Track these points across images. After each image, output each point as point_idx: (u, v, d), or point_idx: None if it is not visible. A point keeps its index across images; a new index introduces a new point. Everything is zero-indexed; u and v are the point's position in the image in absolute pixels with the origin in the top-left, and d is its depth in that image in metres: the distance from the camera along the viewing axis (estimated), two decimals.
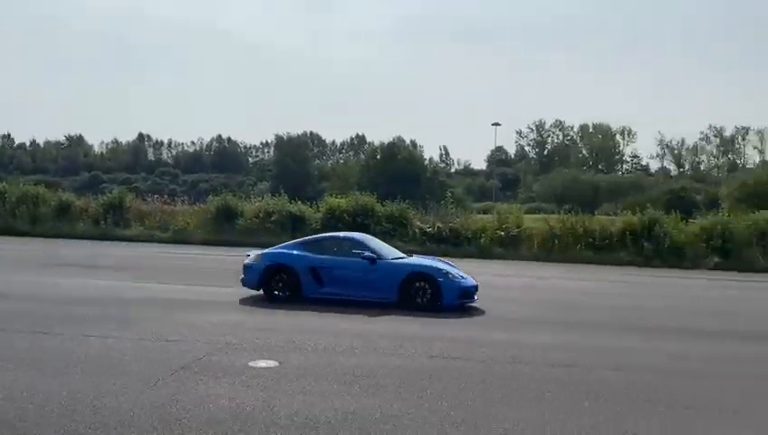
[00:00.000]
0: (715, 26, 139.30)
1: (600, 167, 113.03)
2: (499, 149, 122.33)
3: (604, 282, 18.71)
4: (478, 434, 5.29)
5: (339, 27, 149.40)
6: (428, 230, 27.78)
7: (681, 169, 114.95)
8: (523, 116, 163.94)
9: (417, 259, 12.95)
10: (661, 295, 15.99)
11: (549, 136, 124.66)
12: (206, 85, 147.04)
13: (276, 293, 11.93)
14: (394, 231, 27.41)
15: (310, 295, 11.87)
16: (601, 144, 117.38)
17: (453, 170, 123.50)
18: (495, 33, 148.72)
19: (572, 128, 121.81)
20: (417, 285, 11.72)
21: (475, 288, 12.08)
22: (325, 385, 6.46)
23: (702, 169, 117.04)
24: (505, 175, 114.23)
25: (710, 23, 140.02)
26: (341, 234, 15.47)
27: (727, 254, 25.82)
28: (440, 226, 27.74)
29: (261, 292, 12.05)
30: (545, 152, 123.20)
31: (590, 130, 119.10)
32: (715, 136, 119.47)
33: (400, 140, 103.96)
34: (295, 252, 12.31)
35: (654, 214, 26.82)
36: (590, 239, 26.32)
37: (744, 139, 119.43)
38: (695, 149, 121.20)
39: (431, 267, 12.05)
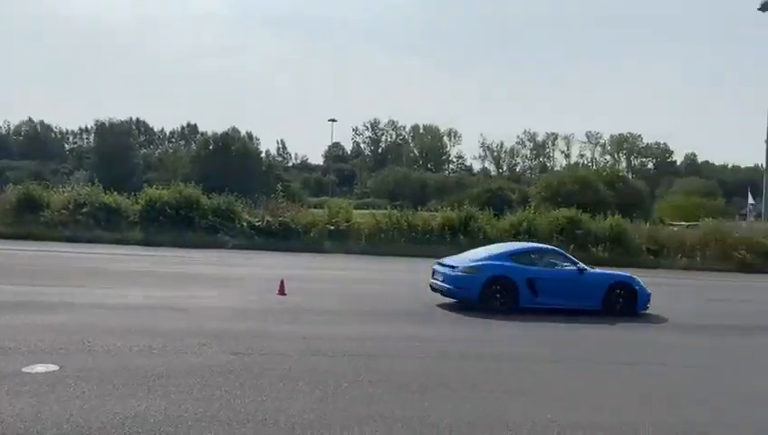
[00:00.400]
0: (528, 35, 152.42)
1: (429, 166, 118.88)
2: (336, 145, 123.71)
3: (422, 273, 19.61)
4: (265, 429, 5.22)
5: (169, 9, 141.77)
6: (257, 224, 27.27)
7: (500, 170, 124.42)
8: (359, 113, 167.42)
9: (609, 271, 14.31)
10: None
11: (383, 135, 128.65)
12: (17, 62, 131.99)
13: (495, 304, 11.89)
14: (221, 225, 26.55)
15: (526, 306, 11.99)
16: (431, 144, 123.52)
17: (290, 165, 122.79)
18: (337, 30, 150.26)
19: (405, 128, 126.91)
20: (617, 292, 12.54)
21: None
22: (109, 388, 6.00)
23: (518, 170, 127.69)
24: (342, 171, 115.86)
25: (525, 30, 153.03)
26: (542, 245, 15.47)
27: None
28: (270, 219, 27.35)
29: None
30: (379, 150, 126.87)
31: (421, 130, 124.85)
32: (529, 140, 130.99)
33: (235, 131, 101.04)
34: (508, 264, 12.41)
35: (470, 210, 28.68)
36: (413, 234, 27.55)
37: (553, 143, 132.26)
38: (512, 152, 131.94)
39: (629, 277, 13.04)
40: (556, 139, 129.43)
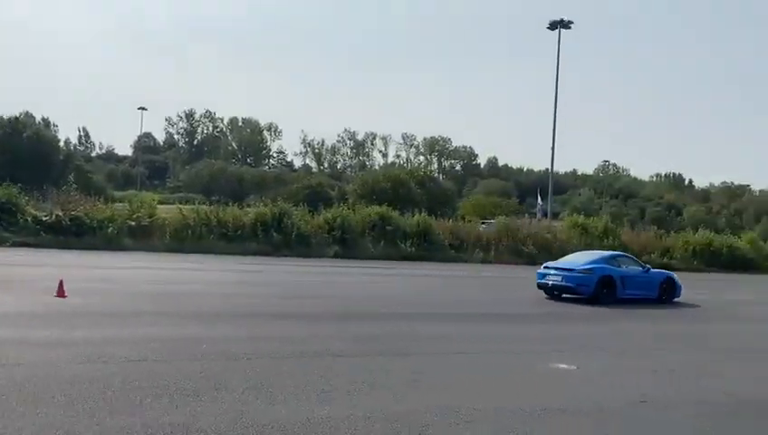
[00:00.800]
0: (348, 36, 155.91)
1: (248, 160, 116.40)
2: (147, 136, 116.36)
3: (227, 272, 18.99)
4: None
5: None
6: (45, 219, 24.57)
7: (321, 167, 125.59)
8: (173, 103, 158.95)
9: (659, 270, 19.02)
10: (278, 283, 16.89)
11: (199, 126, 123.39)
12: None
13: (603, 296, 15.67)
14: (0, 220, 23.57)
15: (619, 297, 15.91)
16: (250, 138, 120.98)
17: (94, 155, 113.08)
18: (149, 13, 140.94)
19: (223, 120, 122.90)
20: (665, 286, 17.10)
21: None
22: None
23: (339, 167, 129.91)
24: (153, 163, 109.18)
25: (347, 32, 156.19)
26: (620, 252, 20.73)
27: (346, 243, 28.85)
28: (60, 214, 24.76)
29: None
30: (195, 142, 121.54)
31: (240, 123, 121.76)
32: (350, 139, 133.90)
33: (29, 115, 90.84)
34: (608, 266, 16.40)
35: (283, 206, 28.38)
36: (224, 230, 26.61)
37: (372, 143, 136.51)
38: (333, 150, 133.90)
39: (671, 275, 17.98)
40: (375, 138, 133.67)
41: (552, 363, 8.37)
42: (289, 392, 6.33)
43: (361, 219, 30.24)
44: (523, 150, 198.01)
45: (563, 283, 15.93)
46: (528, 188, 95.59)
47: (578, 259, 17.18)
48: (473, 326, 11.49)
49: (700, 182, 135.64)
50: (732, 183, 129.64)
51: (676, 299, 17.22)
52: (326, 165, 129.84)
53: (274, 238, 26.89)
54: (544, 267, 16.83)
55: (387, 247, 29.21)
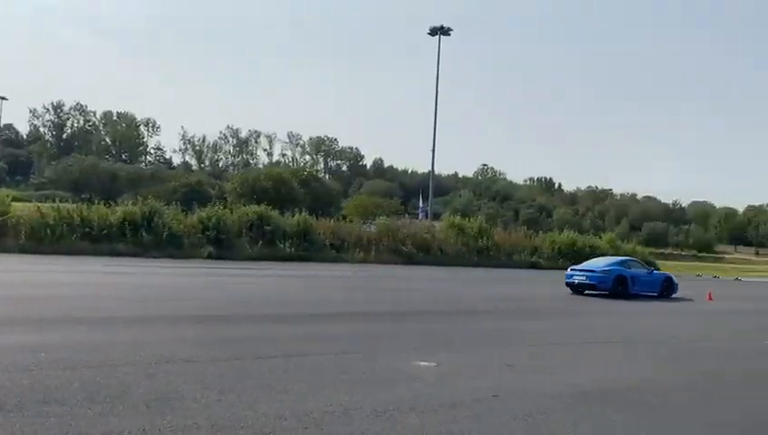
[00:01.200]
0: (236, 35, 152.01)
1: (123, 156, 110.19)
2: (8, 128, 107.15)
3: (86, 274, 17.76)
4: None
5: None
6: None
7: (202, 165, 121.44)
8: (39, 93, 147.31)
9: (660, 272, 24.28)
10: (142, 285, 15.98)
11: (69, 119, 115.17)
12: None
13: (619, 291, 19.83)
14: None
15: (630, 292, 19.99)
16: (125, 133, 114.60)
17: None
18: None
19: (95, 113, 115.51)
20: (666, 284, 21.41)
21: None
22: None
23: (220, 166, 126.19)
24: (16, 157, 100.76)
25: (234, 29, 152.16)
26: (628, 258, 25.33)
27: (221, 244, 27.94)
28: None
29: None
30: (64, 136, 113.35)
31: (114, 117, 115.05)
32: (233, 136, 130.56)
33: None
34: (621, 268, 20.84)
35: (154, 205, 27.02)
36: (88, 229, 24.91)
37: (256, 141, 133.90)
38: (214, 147, 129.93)
39: (670, 275, 22.50)
40: (259, 137, 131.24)
41: (412, 361, 8.44)
42: (127, 402, 5.89)
43: (238, 219, 29.45)
44: (408, 152, 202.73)
45: (587, 281, 20.21)
46: (413, 190, 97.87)
47: (598, 263, 21.93)
48: (336, 326, 11.40)
49: (568, 186, 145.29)
50: (596, 187, 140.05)
51: (674, 295, 21.47)
52: (207, 163, 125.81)
53: (144, 239, 25.55)
54: (571, 269, 21.25)
55: (265, 248, 28.65)
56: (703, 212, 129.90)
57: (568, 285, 20.60)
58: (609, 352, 10.62)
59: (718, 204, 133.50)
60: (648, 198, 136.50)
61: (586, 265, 21.62)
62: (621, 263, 21.92)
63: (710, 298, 21.91)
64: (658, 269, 26.47)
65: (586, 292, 20.32)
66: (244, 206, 32.36)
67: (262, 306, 13.49)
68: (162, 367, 7.35)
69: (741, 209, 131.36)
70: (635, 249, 45.27)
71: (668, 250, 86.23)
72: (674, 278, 22.23)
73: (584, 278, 20.20)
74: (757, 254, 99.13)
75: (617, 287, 19.95)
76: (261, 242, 28.64)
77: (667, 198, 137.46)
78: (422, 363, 8.38)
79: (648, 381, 8.25)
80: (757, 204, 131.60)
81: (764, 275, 51.96)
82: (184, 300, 13.51)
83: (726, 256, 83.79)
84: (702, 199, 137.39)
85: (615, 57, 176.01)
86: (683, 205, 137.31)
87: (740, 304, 22.30)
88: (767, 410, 7.51)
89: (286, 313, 12.68)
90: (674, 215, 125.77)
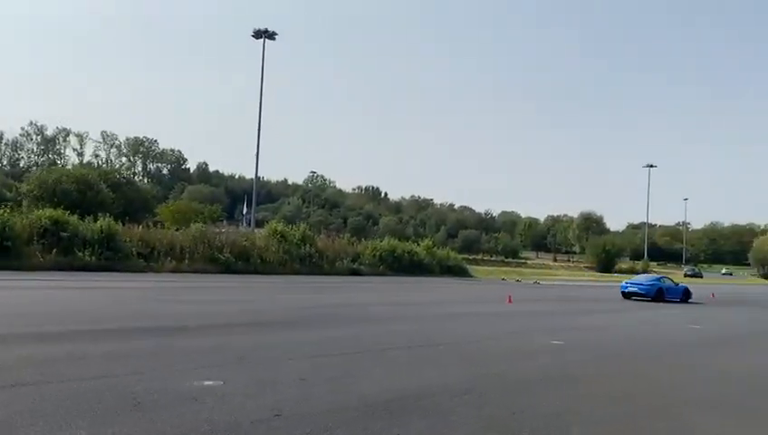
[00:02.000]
0: (32, 19, 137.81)
1: None
2: None
3: None
4: None
5: None
6: None
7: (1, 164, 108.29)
8: None
9: (683, 284, 34.36)
10: None
11: None
12: None
13: (658, 298, 29.35)
14: None
15: (666, 299, 29.43)
16: None
17: None
18: None
19: None
20: (685, 293, 30.98)
21: None
22: None
23: (22, 165, 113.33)
24: None
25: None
26: (663, 276, 36.61)
27: (7, 252, 24.73)
28: None
29: None
30: None
31: None
32: (37, 134, 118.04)
33: None
34: (659, 283, 31.03)
35: None
36: None
37: (65, 139, 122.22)
38: (15, 145, 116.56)
39: (688, 287, 32.19)
40: (68, 135, 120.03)
41: (195, 381, 7.76)
42: None
43: (29, 224, 26.27)
44: (236, 158, 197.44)
45: (638, 290, 29.91)
46: (240, 196, 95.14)
47: (644, 279, 33.27)
48: (111, 344, 10.28)
49: (394, 195, 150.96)
50: (419, 197, 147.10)
51: (690, 301, 30.46)
52: (5, 162, 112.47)
53: None
54: (626, 283, 31.50)
55: (61, 256, 25.84)
56: (510, 221, 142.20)
57: (623, 293, 30.15)
58: (406, 359, 10.70)
59: (524, 214, 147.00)
60: (464, 207, 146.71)
61: (636, 279, 33.21)
62: (659, 279, 32.22)
63: (510, 301, 23.63)
64: (679, 284, 34.43)
65: (633, 298, 29.51)
66: (41, 210, 28.96)
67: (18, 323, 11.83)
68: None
69: (542, 219, 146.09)
70: (449, 255, 47.87)
71: (480, 256, 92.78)
72: (690, 289, 31.77)
73: (636, 289, 29.97)
74: (555, 260, 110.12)
75: (658, 296, 29.25)
76: (55, 250, 25.78)
77: (480, 208, 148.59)
78: (206, 383, 7.73)
79: (436, 387, 8.34)
80: (555, 214, 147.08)
81: (559, 279, 57.82)
82: None
83: (529, 261, 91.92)
84: (510, 210, 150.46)
85: (439, 63, 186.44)
86: (494, 214, 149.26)
87: (534, 306, 24.28)
88: (533, 408, 7.87)
89: (51, 331, 11.20)
90: (485, 223, 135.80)
